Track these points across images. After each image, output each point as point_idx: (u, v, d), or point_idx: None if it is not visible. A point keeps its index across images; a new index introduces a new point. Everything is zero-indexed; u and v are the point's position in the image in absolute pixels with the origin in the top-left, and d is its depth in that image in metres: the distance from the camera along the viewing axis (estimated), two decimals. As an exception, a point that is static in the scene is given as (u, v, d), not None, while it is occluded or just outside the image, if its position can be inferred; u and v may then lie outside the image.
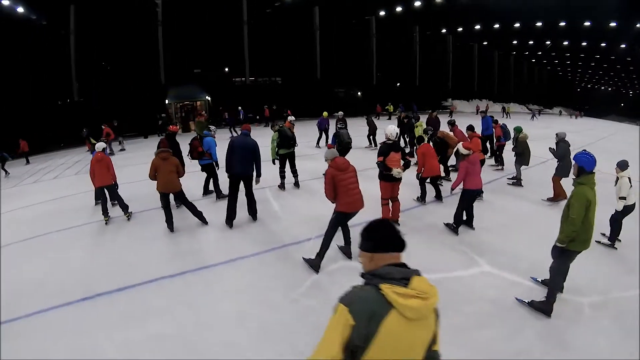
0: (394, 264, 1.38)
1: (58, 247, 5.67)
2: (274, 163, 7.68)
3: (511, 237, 5.44)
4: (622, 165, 5.09)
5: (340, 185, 4.25)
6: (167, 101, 24.34)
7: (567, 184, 6.76)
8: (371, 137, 12.51)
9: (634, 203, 5.05)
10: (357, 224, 5.61)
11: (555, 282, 3.71)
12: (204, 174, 7.52)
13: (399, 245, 1.41)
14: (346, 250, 4.72)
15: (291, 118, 10.03)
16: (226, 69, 28.10)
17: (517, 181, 8.12)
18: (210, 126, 7.70)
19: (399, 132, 5.56)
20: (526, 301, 3.77)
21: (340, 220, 4.41)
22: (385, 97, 29.49)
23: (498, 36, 38.58)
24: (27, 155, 15.89)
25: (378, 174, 5.51)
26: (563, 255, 3.59)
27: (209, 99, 25.92)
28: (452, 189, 5.74)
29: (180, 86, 24.59)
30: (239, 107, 23.28)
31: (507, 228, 5.82)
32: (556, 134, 7.19)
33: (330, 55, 29.91)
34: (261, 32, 27.14)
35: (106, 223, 6.46)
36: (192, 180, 7.82)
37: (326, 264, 4.55)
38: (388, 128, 5.45)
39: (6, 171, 13.18)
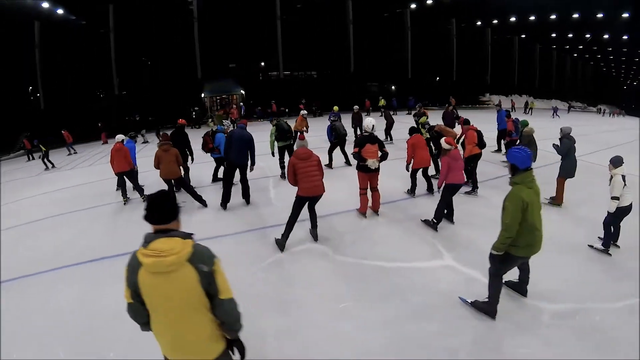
0: (156, 231, 1.82)
1: (81, 222, 6.67)
2: (273, 155, 8.21)
3: (491, 235, 5.28)
4: (616, 162, 4.59)
5: (299, 173, 4.71)
6: (202, 95, 25.89)
7: (575, 185, 6.37)
8: (388, 131, 12.62)
9: (630, 204, 4.53)
10: (338, 212, 6.12)
11: (494, 286, 3.44)
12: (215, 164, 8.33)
13: (155, 219, 1.82)
14: (313, 233, 5.16)
15: (303, 112, 10.53)
16: (262, 64, 29.14)
17: None
18: (224, 121, 8.35)
19: (375, 124, 5.80)
20: (469, 301, 3.64)
21: (299, 204, 4.84)
22: (421, 92, 28.95)
23: (537, 29, 36.46)
24: (71, 145, 17.60)
25: (356, 165, 5.83)
26: (505, 261, 3.33)
27: (243, 92, 27.15)
28: (439, 187, 5.69)
29: (216, 80, 26.03)
30: (272, 101, 24.16)
31: (491, 226, 5.61)
32: (560, 129, 6.50)
33: (364, 49, 29.88)
34: (295, 27, 27.78)
35: (125, 204, 7.40)
36: (205, 169, 8.80)
37: (294, 245, 5.00)
38: (365, 121, 5.76)
39: (49, 163, 14.29)
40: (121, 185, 7.60)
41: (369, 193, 5.94)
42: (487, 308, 3.47)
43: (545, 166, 8.19)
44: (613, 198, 4.50)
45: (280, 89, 27.60)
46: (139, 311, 1.89)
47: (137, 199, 7.61)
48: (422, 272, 4.32)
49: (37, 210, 7.75)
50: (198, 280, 1.78)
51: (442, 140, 5.49)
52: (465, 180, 6.21)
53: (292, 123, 9.20)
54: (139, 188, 7.64)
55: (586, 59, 49.47)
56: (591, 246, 4.79)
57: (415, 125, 7.43)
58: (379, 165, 5.63)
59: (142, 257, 1.75)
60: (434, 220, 5.37)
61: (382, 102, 23.58)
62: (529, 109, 29.51)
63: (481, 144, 6.90)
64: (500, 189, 7.09)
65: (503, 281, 3.54)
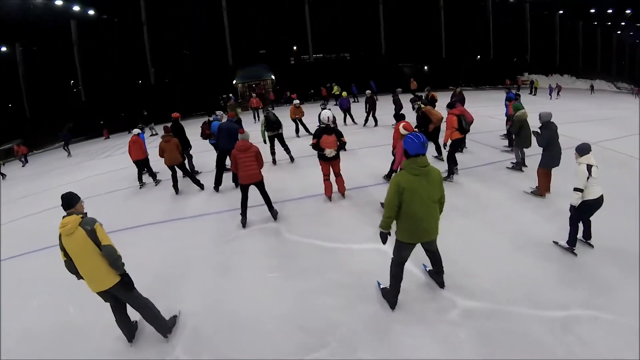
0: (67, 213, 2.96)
1: (103, 203, 8.08)
2: (264, 142, 9.04)
3: (443, 225, 5.27)
4: (581, 150, 4.21)
5: (238, 163, 5.56)
6: (234, 82, 27.24)
7: (560, 175, 5.89)
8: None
9: (598, 197, 4.09)
10: (310, 195, 6.84)
11: (392, 274, 3.53)
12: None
13: (64, 207, 3.15)
14: (271, 213, 6.00)
15: (296, 102, 11.20)
16: (294, 48, 29.73)
17: (516, 165, 7.43)
18: (217, 112, 9.34)
19: (331, 116, 6.35)
20: (382, 286, 3.79)
21: (242, 189, 5.77)
22: (455, 72, 27.79)
23: (577, 4, 32.73)
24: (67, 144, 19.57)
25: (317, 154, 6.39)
26: (398, 247, 3.42)
27: (274, 78, 28.11)
28: (394, 170, 5.94)
29: (247, 67, 27.22)
30: (322, 87, 24.69)
31: (448, 215, 5.46)
32: (539, 115, 5.94)
33: (395, 29, 29.18)
34: (324, 9, 27.85)
35: (140, 187, 8.75)
36: (208, 156, 9.97)
37: (256, 223, 5.90)
38: (322, 113, 6.33)
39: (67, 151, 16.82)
40: (142, 171, 8.91)
41: (333, 179, 6.55)
42: (387, 296, 3.64)
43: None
44: (575, 189, 4.11)
45: (310, 72, 28.09)
46: (71, 265, 3.03)
47: (151, 183, 8.93)
48: (353, 254, 4.70)
49: (82, 191, 9.37)
50: (87, 235, 3.04)
51: (400, 126, 5.80)
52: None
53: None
54: (152, 174, 8.93)
55: (632, 38, 43.82)
56: (556, 243, 4.51)
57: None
58: (337, 153, 6.19)
59: (59, 229, 3.03)
60: (382, 203, 5.31)
61: (336, 89, 21.87)
62: (533, 88, 26.68)
63: (462, 129, 6.85)
64: (482, 177, 7.22)
65: (402, 271, 3.56)
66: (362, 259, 4.58)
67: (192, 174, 8.04)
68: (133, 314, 3.54)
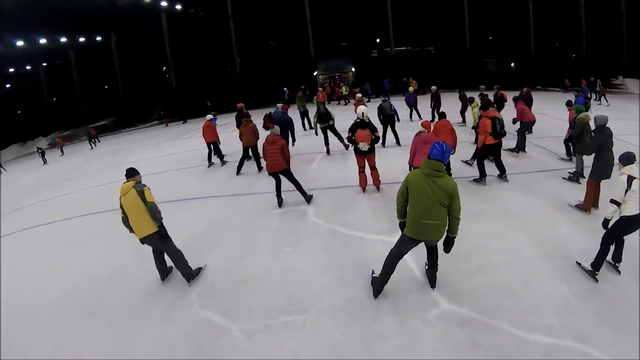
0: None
1: (173, 177, 9.57)
2: (316, 134, 9.61)
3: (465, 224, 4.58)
4: (625, 159, 3.83)
5: (266, 153, 6.23)
6: (315, 73, 28.29)
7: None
8: (463, 113, 12.29)
9: (637, 215, 3.62)
10: (348, 186, 7.21)
11: (385, 264, 3.68)
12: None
13: (126, 176, 4.23)
14: (305, 198, 6.54)
15: (358, 95, 11.50)
16: (377, 40, 29.66)
17: (573, 175, 6.62)
18: (278, 104, 10.16)
19: (365, 111, 6.48)
20: (374, 275, 3.95)
21: (271, 175, 6.41)
22: (544, 70, 24.68)
23: None
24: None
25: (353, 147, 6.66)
26: (402, 240, 3.59)
27: (354, 70, 28.49)
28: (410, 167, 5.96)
29: (328, 59, 28.05)
30: (386, 79, 24.77)
31: (468, 218, 4.89)
32: (594, 118, 5.53)
33: (481, 22, 27.03)
34: (406, 1, 27.15)
35: (208, 166, 10.04)
36: None
37: (292, 205, 6.52)
38: (358, 109, 6.62)
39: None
40: (212, 152, 10.18)
41: (369, 172, 6.77)
42: (374, 284, 3.80)
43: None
44: (612, 201, 3.74)
45: (391, 65, 27.73)
46: (126, 220, 4.06)
47: (217, 164, 10.17)
48: (364, 243, 4.97)
49: (159, 166, 11.25)
50: (137, 194, 4.04)
51: (421, 123, 6.00)
52: None
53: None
54: (220, 155, 10.19)
55: None
56: (579, 264, 4.03)
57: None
58: (371, 147, 6.40)
59: (120, 192, 4.15)
60: None
61: (344, 89, 21.24)
62: (596, 92, 18.84)
63: (496, 134, 6.49)
64: (528, 184, 6.68)
65: (394, 266, 3.70)
66: (370, 248, 4.80)
67: (259, 157, 8.89)
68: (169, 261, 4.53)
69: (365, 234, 5.23)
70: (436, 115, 12.61)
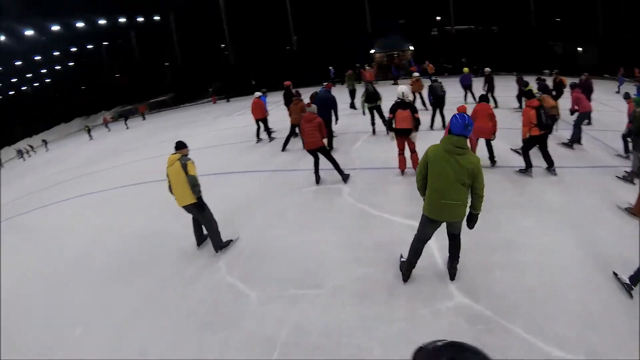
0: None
1: (222, 151, 10.12)
2: (363, 114, 9.42)
3: (484, 217, 4.27)
4: None
5: (304, 131, 6.31)
6: (372, 51, 27.47)
7: None
8: (520, 98, 11.30)
9: None
10: (387, 167, 7.08)
11: (411, 248, 3.57)
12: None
13: (175, 148, 4.59)
14: (342, 177, 6.55)
15: (415, 74, 10.98)
16: (438, 18, 27.89)
17: (629, 175, 5.91)
18: (324, 83, 10.10)
19: (405, 91, 6.17)
20: (402, 259, 3.87)
21: (309, 153, 6.50)
22: (613, 55, 21.19)
23: None
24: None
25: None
26: (422, 222, 3.44)
27: (412, 49, 27.18)
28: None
29: (386, 37, 27.01)
30: (441, 59, 23.55)
31: (498, 209, 5.01)
32: (625, 95, 5.02)
33: (548, 1, 23.82)
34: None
35: (256, 142, 10.44)
36: None
37: (328, 183, 6.62)
38: (399, 88, 6.35)
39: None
40: (260, 129, 10.54)
41: (408, 154, 6.58)
42: (401, 268, 3.73)
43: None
44: None
45: (451, 45, 25.99)
46: (171, 189, 4.47)
47: (265, 140, 10.52)
48: (391, 225, 4.90)
49: (212, 140, 11.94)
50: (180, 166, 4.32)
51: (457, 108, 5.61)
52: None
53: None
54: (268, 131, 10.52)
55: None
56: (616, 275, 3.54)
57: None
58: (412, 129, 6.17)
59: (167, 162, 4.50)
60: None
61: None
62: None
63: (542, 125, 5.91)
64: (576, 179, 6.05)
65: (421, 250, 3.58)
66: (395, 231, 4.73)
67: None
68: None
69: (393, 217, 5.16)
70: (491, 99, 11.79)
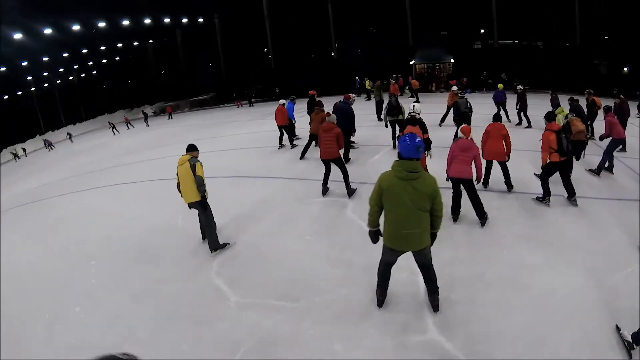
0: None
1: (244, 154, 10.46)
2: (386, 126, 9.39)
3: (471, 253, 4.56)
4: None
5: (321, 140, 6.38)
6: (412, 62, 27.03)
7: None
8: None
9: None
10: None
11: (378, 271, 3.51)
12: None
13: (187, 150, 4.96)
14: (348, 192, 6.57)
15: (454, 88, 10.77)
16: (481, 31, 26.95)
17: None
18: (351, 94, 10.15)
19: (418, 108, 6.22)
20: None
21: (323, 163, 6.54)
22: None
23: None
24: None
25: None
26: (384, 250, 3.37)
27: (452, 61, 26.48)
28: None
29: (427, 48, 26.50)
30: (484, 72, 22.81)
31: (518, 242, 4.76)
32: None
33: (593, 16, 22.04)
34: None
35: (278, 148, 10.65)
36: None
37: (334, 195, 6.69)
38: (411, 105, 6.36)
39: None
40: (283, 135, 10.76)
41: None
42: (376, 292, 3.62)
43: None
44: None
45: (493, 59, 24.95)
46: (179, 186, 4.81)
47: (287, 146, 10.70)
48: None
49: (238, 143, 12.41)
50: (189, 167, 4.70)
51: (460, 129, 5.47)
52: (476, 179, 5.32)
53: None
54: (290, 139, 10.72)
55: None
56: (618, 329, 3.16)
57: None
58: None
59: (177, 162, 4.87)
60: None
61: (367, 84, 20.30)
62: None
63: (562, 151, 5.51)
64: (590, 212, 5.51)
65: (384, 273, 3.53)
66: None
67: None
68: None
69: None
70: (523, 118, 11.30)
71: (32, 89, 36.56)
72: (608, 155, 7.15)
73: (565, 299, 3.64)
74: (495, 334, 3.27)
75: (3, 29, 22.10)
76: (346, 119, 8.12)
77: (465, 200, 5.31)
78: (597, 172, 7.12)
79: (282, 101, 10.71)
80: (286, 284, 4.19)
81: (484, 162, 6.16)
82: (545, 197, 5.84)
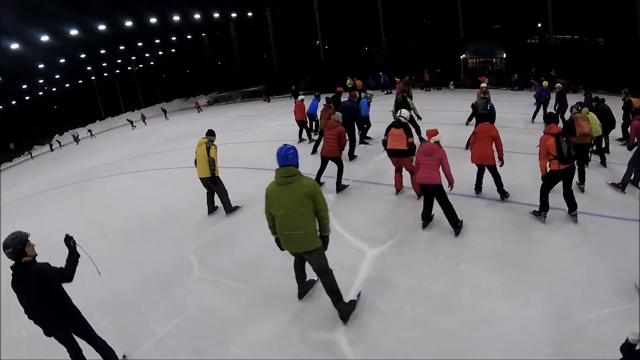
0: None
1: (271, 147, 10.80)
2: None
3: (437, 261, 4.46)
4: None
5: (324, 137, 6.77)
6: (462, 56, 25.75)
7: None
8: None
9: None
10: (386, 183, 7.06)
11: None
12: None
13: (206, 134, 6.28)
14: (337, 188, 6.84)
15: (483, 85, 10.44)
16: (538, 25, 24.70)
17: None
18: (368, 90, 10.22)
19: (405, 113, 6.24)
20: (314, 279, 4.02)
21: (321, 160, 6.89)
22: None
23: None
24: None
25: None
26: None
27: (505, 56, 24.82)
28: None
29: (478, 42, 25.04)
30: (532, 69, 21.20)
31: (488, 260, 4.39)
32: None
33: None
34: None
35: (298, 142, 11.05)
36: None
37: (324, 191, 6.82)
38: (401, 110, 6.36)
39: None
40: (302, 130, 11.23)
41: (408, 174, 6.25)
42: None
43: None
44: None
45: (546, 55, 22.86)
46: (196, 163, 6.24)
47: (306, 141, 11.08)
48: (342, 244, 4.86)
49: (268, 135, 13.18)
50: (205, 149, 6.01)
51: (426, 131, 5.26)
52: (440, 183, 4.95)
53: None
54: (308, 133, 11.18)
55: None
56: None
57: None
58: (406, 150, 5.92)
59: (197, 144, 6.26)
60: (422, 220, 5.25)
61: (349, 82, 20.12)
62: None
63: (562, 157, 4.79)
64: (591, 232, 4.84)
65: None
66: (342, 251, 4.55)
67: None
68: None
69: (350, 236, 5.19)
70: (560, 119, 10.41)
71: (92, 77, 42.54)
72: (634, 165, 6.08)
73: (505, 334, 3.16)
74: (404, 351, 3.12)
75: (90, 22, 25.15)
76: (349, 118, 8.25)
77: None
78: (621, 186, 6.08)
79: (300, 97, 11.12)
80: (244, 268, 4.78)
81: (470, 167, 5.92)
82: (541, 211, 5.22)
